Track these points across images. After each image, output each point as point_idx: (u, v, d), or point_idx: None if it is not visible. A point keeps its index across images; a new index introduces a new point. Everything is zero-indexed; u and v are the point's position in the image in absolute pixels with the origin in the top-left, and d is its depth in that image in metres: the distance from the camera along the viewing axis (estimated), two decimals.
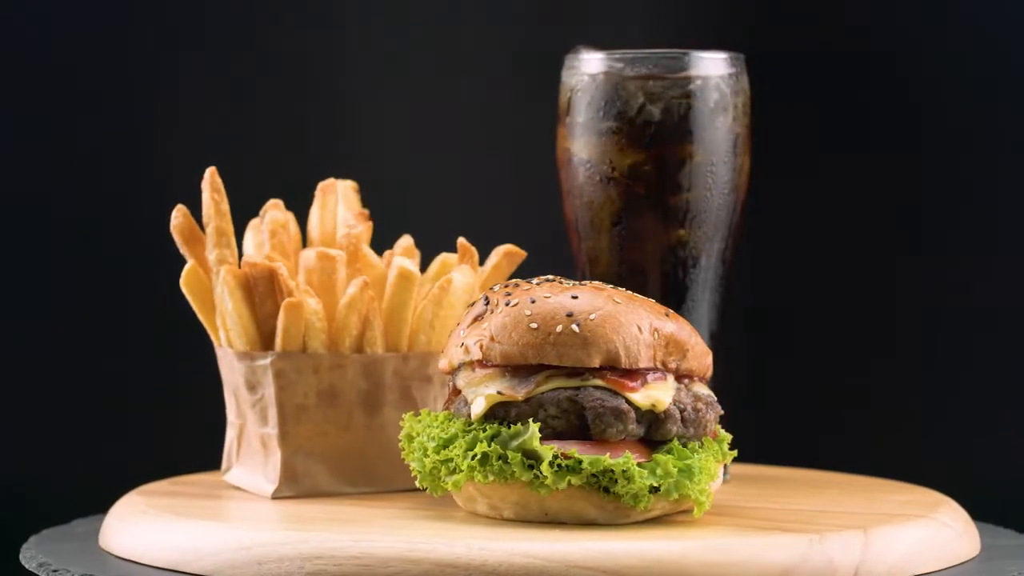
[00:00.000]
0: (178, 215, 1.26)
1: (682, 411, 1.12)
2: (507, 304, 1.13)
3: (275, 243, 1.28)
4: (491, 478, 1.09)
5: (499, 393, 1.11)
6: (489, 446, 1.10)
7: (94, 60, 1.74)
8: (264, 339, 1.24)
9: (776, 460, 1.44)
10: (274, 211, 1.29)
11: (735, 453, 1.16)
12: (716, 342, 1.32)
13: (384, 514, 1.16)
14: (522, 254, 1.31)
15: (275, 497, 1.23)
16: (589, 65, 1.32)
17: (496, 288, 1.17)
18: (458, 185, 1.80)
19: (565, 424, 1.10)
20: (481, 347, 1.12)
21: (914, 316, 1.79)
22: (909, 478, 1.36)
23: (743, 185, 1.34)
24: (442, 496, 1.16)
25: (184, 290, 1.26)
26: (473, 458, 1.10)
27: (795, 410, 1.79)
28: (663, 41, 1.36)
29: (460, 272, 1.27)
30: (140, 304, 1.76)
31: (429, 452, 1.13)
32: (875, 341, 1.80)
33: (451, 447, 1.12)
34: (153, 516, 1.15)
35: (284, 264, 1.24)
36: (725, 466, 1.27)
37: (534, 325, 1.11)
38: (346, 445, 1.25)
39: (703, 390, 1.15)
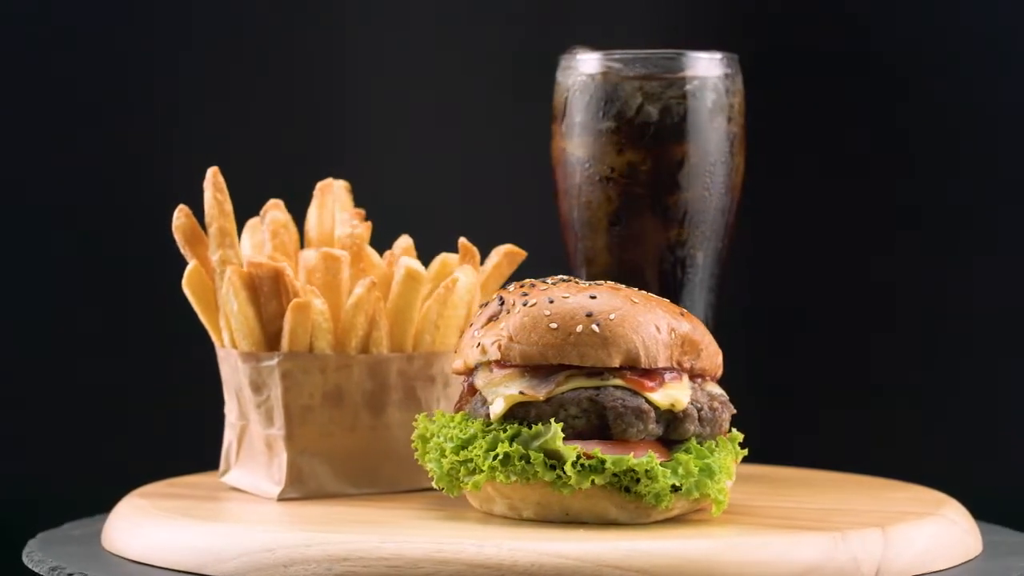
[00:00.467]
0: (180, 215, 1.25)
1: (699, 410, 1.13)
2: (525, 304, 1.13)
3: (277, 243, 1.27)
4: (513, 478, 1.09)
5: (521, 393, 1.11)
6: (510, 446, 1.10)
7: (94, 60, 1.74)
8: (269, 340, 1.23)
9: (775, 460, 1.44)
10: (275, 211, 1.29)
11: (745, 452, 1.16)
12: None
13: (400, 515, 1.16)
14: (522, 254, 1.31)
15: (281, 499, 1.22)
16: (586, 65, 1.32)
17: (511, 288, 1.17)
18: (456, 185, 1.80)
19: (585, 424, 1.11)
20: (499, 347, 1.12)
21: (914, 316, 1.79)
22: (909, 478, 1.36)
23: (738, 185, 1.34)
24: (454, 497, 1.16)
25: (186, 291, 1.25)
26: (495, 458, 1.10)
27: (794, 410, 1.79)
28: (656, 41, 1.36)
29: (463, 272, 1.27)
30: (140, 304, 1.76)
31: (447, 453, 1.12)
32: (875, 341, 1.80)
33: (470, 448, 1.11)
34: (164, 518, 1.14)
35: (288, 264, 1.24)
36: None
37: (554, 325, 1.11)
38: (350, 446, 1.25)
39: (716, 389, 1.16)
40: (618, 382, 1.11)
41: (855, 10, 1.79)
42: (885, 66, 1.78)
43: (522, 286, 1.16)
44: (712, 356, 1.15)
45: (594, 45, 1.33)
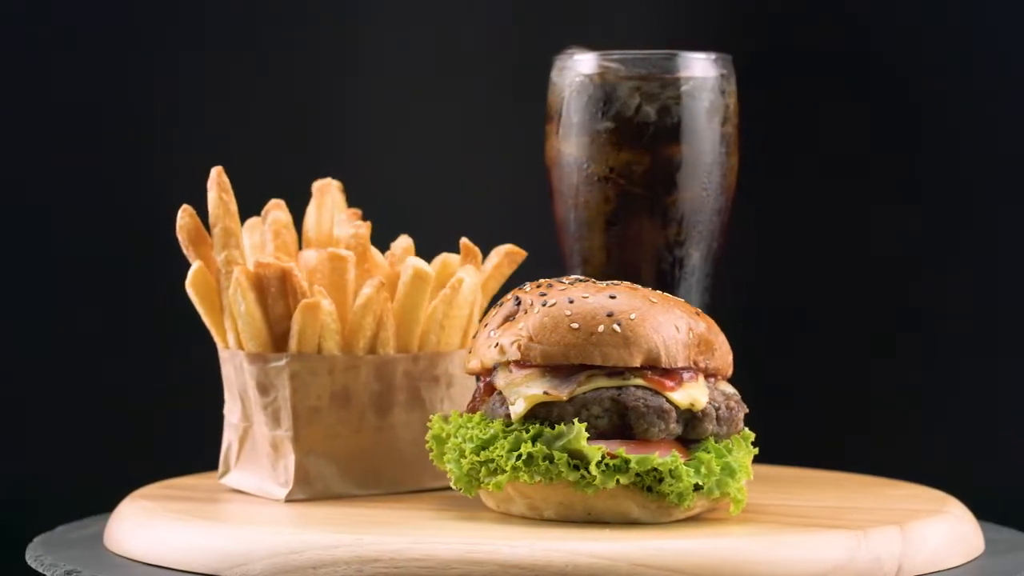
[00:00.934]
0: (184, 215, 1.24)
1: (717, 410, 1.13)
2: (544, 304, 1.13)
3: (279, 243, 1.27)
4: (537, 479, 1.09)
5: (545, 393, 1.11)
6: (534, 446, 1.10)
7: (94, 60, 1.74)
8: (276, 341, 1.23)
9: (775, 460, 1.43)
10: (277, 211, 1.28)
11: (756, 451, 1.16)
12: None
13: (415, 516, 1.16)
14: (522, 254, 1.31)
15: (288, 500, 1.22)
16: (584, 65, 1.32)
17: (527, 288, 1.17)
18: (456, 185, 1.80)
19: (607, 424, 1.11)
20: (519, 347, 1.12)
21: (914, 316, 1.79)
22: (909, 478, 1.36)
23: (733, 185, 1.34)
24: (471, 497, 1.16)
25: (190, 291, 1.24)
26: (518, 459, 1.10)
27: (794, 410, 1.79)
28: (659, 42, 1.36)
29: (467, 272, 1.27)
30: (140, 304, 1.76)
31: (467, 453, 1.12)
32: (875, 341, 1.80)
33: (492, 448, 1.11)
34: (177, 520, 1.13)
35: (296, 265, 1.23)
36: None
37: (575, 325, 1.11)
38: (356, 447, 1.24)
39: (729, 388, 1.17)
40: (639, 382, 1.12)
41: (855, 10, 1.79)
42: (885, 66, 1.78)
43: (539, 286, 1.16)
44: (725, 355, 1.16)
45: (590, 45, 1.33)
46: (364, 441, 1.25)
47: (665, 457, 1.10)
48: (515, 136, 1.52)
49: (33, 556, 1.16)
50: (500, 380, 1.14)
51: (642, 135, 1.30)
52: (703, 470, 1.10)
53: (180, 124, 1.76)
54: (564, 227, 1.34)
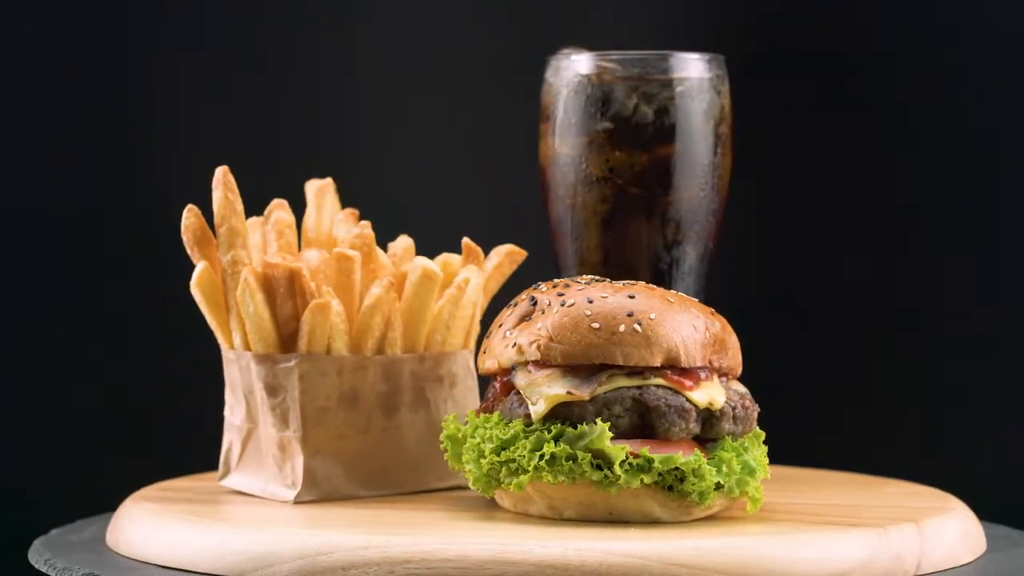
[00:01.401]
0: (190, 215, 1.23)
1: (733, 409, 1.14)
2: (563, 304, 1.13)
3: (282, 243, 1.26)
4: (561, 478, 1.09)
5: (569, 393, 1.11)
6: (556, 446, 1.10)
7: (94, 60, 1.74)
8: (283, 341, 1.22)
9: (775, 460, 1.43)
10: (280, 211, 1.27)
11: (766, 449, 1.17)
12: None
13: (431, 516, 1.15)
14: (523, 253, 1.31)
15: (297, 501, 1.21)
16: (581, 65, 1.32)
17: (543, 288, 1.17)
18: (455, 185, 1.80)
19: (628, 423, 1.11)
20: (539, 347, 1.12)
21: (914, 316, 1.79)
22: (909, 478, 1.36)
23: (727, 186, 1.34)
24: (489, 497, 1.15)
25: (195, 291, 1.23)
26: (541, 459, 1.10)
27: (794, 410, 1.79)
28: (660, 42, 1.36)
29: (471, 273, 1.26)
30: (140, 304, 1.76)
31: (487, 454, 1.12)
32: (875, 341, 1.80)
33: (512, 448, 1.11)
34: (196, 521, 1.12)
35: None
36: None
37: (596, 325, 1.11)
38: (362, 448, 1.24)
39: (741, 387, 1.17)
40: (659, 381, 1.12)
41: (855, 10, 1.79)
42: (885, 66, 1.78)
43: (555, 286, 1.16)
44: (736, 355, 1.17)
45: (586, 45, 1.33)
46: (370, 442, 1.24)
47: (688, 456, 1.10)
48: (515, 136, 1.53)
49: (42, 560, 1.14)
50: (520, 380, 1.14)
51: (640, 135, 1.30)
52: (724, 469, 1.11)
53: (180, 124, 1.76)
54: (559, 227, 1.34)
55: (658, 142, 1.30)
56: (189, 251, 1.23)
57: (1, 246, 1.74)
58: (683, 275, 1.33)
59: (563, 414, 1.11)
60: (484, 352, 1.17)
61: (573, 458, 1.10)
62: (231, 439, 1.27)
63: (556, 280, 1.18)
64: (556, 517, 1.13)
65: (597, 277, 1.18)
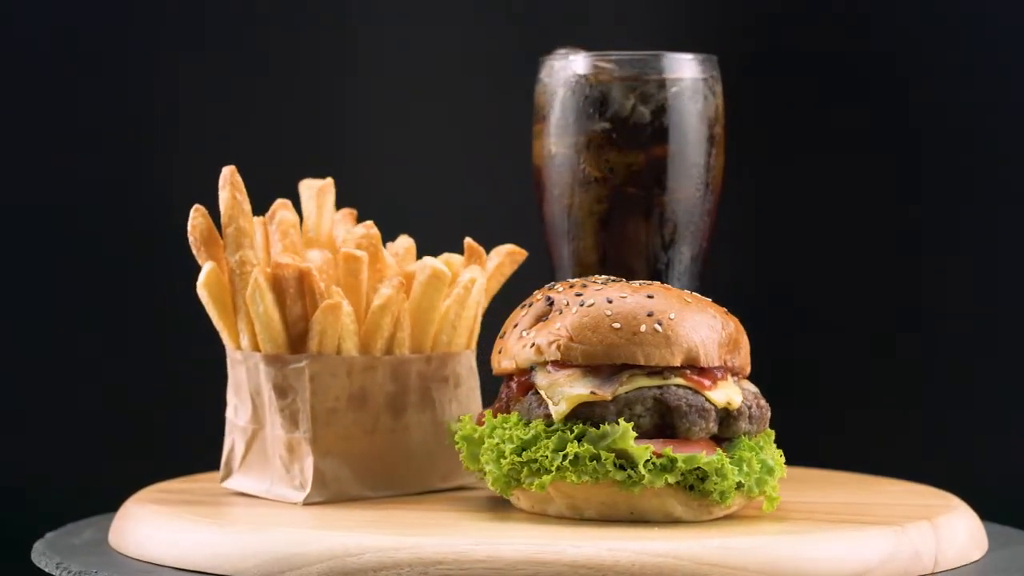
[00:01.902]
0: (197, 215, 1.22)
1: (749, 408, 1.14)
2: (582, 304, 1.13)
3: (287, 243, 1.25)
4: (584, 478, 1.09)
5: (592, 393, 1.11)
6: (580, 446, 1.10)
7: (94, 60, 1.74)
8: (293, 342, 1.22)
9: None
10: (284, 211, 1.26)
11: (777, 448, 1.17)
12: None
13: (448, 517, 1.15)
14: (523, 253, 1.31)
15: (307, 503, 1.21)
16: (578, 66, 1.32)
17: (559, 288, 1.17)
18: (455, 185, 1.80)
19: (649, 423, 1.11)
20: (558, 347, 1.12)
21: (914, 316, 1.79)
22: (909, 478, 1.36)
23: (720, 185, 1.34)
24: (508, 497, 1.15)
25: (203, 292, 1.22)
26: (564, 459, 1.10)
27: (794, 410, 1.79)
28: (650, 43, 1.36)
29: (474, 272, 1.26)
30: (140, 304, 1.76)
31: (507, 454, 1.12)
32: (875, 341, 1.80)
33: (534, 448, 1.11)
34: (211, 524, 1.11)
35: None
36: None
37: (617, 325, 1.12)
38: (369, 448, 1.23)
39: (752, 387, 1.17)
40: (680, 381, 1.12)
41: (855, 10, 1.79)
42: (885, 66, 1.78)
43: (572, 286, 1.16)
44: (746, 354, 1.17)
45: (581, 45, 1.33)
46: (377, 442, 1.24)
47: (712, 456, 1.10)
48: (515, 136, 1.53)
49: (54, 563, 1.13)
50: (541, 380, 1.13)
51: (638, 135, 1.30)
52: (745, 468, 1.11)
53: (180, 124, 1.76)
54: (553, 227, 1.34)
55: (657, 142, 1.31)
56: (195, 251, 1.22)
57: (1, 246, 1.74)
58: (679, 275, 1.33)
59: (584, 414, 1.11)
60: (499, 352, 1.17)
61: (596, 458, 1.10)
62: (234, 440, 1.26)
63: (572, 280, 1.18)
64: (576, 517, 1.13)
65: (613, 277, 1.18)
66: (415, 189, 1.78)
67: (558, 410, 1.12)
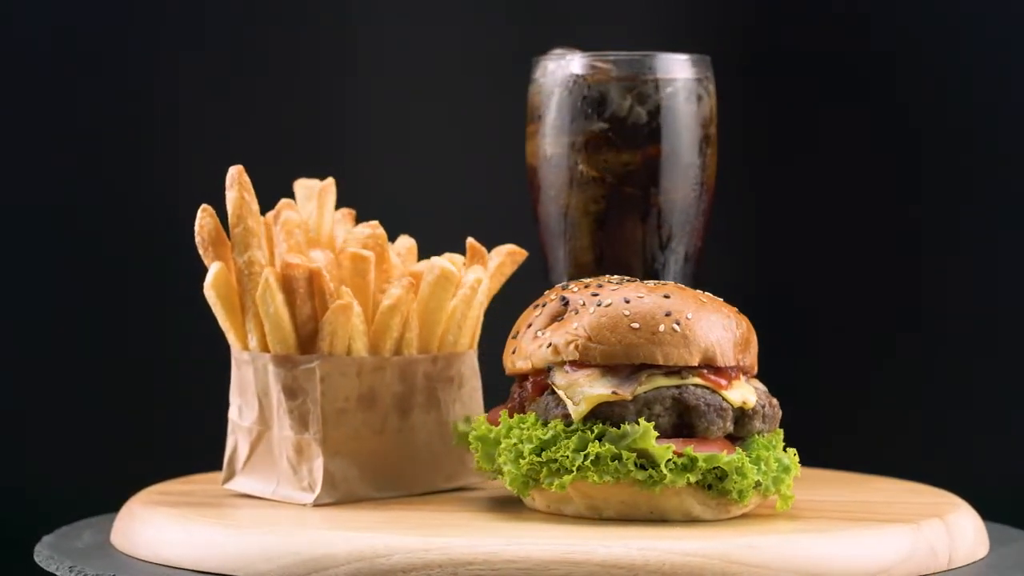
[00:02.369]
0: (205, 215, 1.21)
1: (763, 408, 1.15)
2: (599, 304, 1.13)
3: (292, 244, 1.24)
4: (606, 478, 1.09)
5: (614, 393, 1.11)
6: (601, 446, 1.10)
7: (94, 60, 1.74)
8: (302, 343, 1.21)
9: None
10: (288, 211, 1.25)
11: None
12: None
13: (463, 517, 1.14)
14: (524, 253, 1.31)
15: (316, 504, 1.20)
16: (575, 66, 1.32)
17: (573, 288, 1.16)
18: (455, 185, 1.80)
19: (667, 422, 1.11)
20: (576, 347, 1.12)
21: (915, 316, 1.79)
22: (909, 478, 1.36)
23: (714, 185, 1.35)
24: (525, 498, 1.15)
25: (210, 292, 1.21)
26: (585, 459, 1.10)
27: (795, 410, 1.79)
28: (651, 43, 1.36)
29: (479, 272, 1.26)
30: (140, 304, 1.76)
31: (526, 454, 1.12)
32: (875, 341, 1.80)
33: (554, 448, 1.11)
34: (227, 526, 1.10)
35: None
36: None
37: (635, 325, 1.12)
38: (376, 449, 1.23)
39: (761, 386, 1.17)
40: (697, 381, 1.12)
41: (854, 10, 1.79)
42: (885, 66, 1.78)
43: (587, 286, 1.16)
44: (755, 354, 1.17)
45: (576, 45, 1.33)
46: (384, 443, 1.23)
47: (732, 455, 1.10)
48: (515, 136, 1.52)
49: (66, 567, 1.13)
50: (560, 380, 1.13)
51: (635, 135, 1.30)
52: (763, 467, 1.12)
53: (180, 124, 1.76)
54: (549, 227, 1.34)
55: (651, 142, 1.31)
56: (202, 251, 1.21)
57: (1, 246, 1.74)
58: (675, 274, 1.33)
59: (603, 414, 1.11)
60: (513, 352, 1.17)
61: (618, 458, 1.10)
62: (237, 441, 1.26)
63: (587, 280, 1.18)
64: (594, 517, 1.13)
65: (628, 277, 1.18)
66: (415, 189, 1.78)
67: (578, 410, 1.12)
